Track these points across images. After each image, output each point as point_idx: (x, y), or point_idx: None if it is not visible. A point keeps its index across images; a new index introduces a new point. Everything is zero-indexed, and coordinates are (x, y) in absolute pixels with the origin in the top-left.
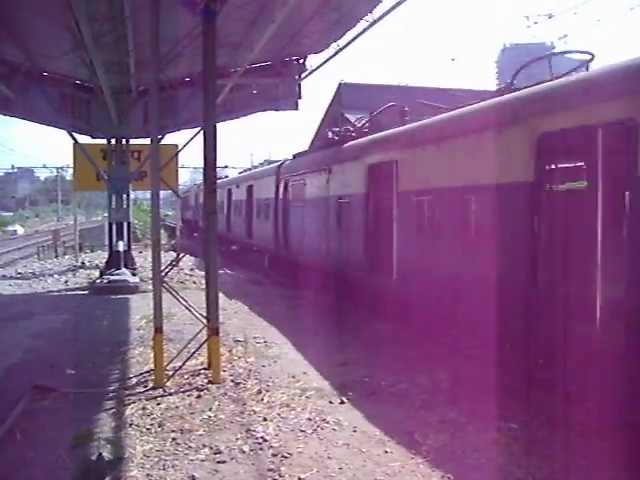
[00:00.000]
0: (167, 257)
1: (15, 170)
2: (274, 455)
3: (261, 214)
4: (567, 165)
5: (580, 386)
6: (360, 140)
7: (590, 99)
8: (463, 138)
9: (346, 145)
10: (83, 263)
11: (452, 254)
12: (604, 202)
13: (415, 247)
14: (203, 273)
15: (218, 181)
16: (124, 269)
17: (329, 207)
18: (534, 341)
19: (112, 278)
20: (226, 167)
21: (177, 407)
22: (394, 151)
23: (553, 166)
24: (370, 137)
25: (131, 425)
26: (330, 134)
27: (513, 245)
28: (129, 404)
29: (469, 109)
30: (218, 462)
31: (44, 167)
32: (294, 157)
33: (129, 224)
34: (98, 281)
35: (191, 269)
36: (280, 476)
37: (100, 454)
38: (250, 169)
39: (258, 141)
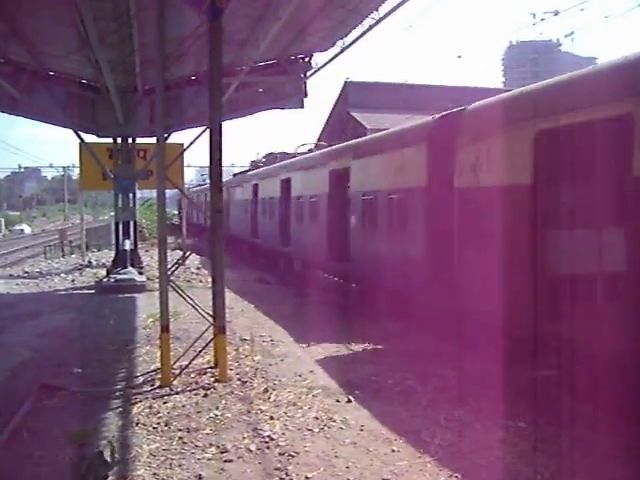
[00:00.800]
0: (174, 256)
1: (22, 170)
2: (281, 454)
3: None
4: None
5: None
6: (252, 171)
7: None
8: None
9: (247, 174)
10: (90, 262)
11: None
12: None
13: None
14: (209, 272)
15: (196, 188)
16: (131, 268)
17: (241, 204)
18: None
19: (119, 277)
20: (232, 166)
21: (184, 406)
22: (290, 172)
23: None
24: (254, 171)
25: (138, 424)
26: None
27: None
28: (136, 403)
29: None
30: (225, 461)
31: (51, 166)
32: (234, 176)
33: (135, 223)
34: (105, 280)
35: (197, 268)
36: (287, 475)
37: (101, 453)
38: (250, 169)
39: (264, 139)
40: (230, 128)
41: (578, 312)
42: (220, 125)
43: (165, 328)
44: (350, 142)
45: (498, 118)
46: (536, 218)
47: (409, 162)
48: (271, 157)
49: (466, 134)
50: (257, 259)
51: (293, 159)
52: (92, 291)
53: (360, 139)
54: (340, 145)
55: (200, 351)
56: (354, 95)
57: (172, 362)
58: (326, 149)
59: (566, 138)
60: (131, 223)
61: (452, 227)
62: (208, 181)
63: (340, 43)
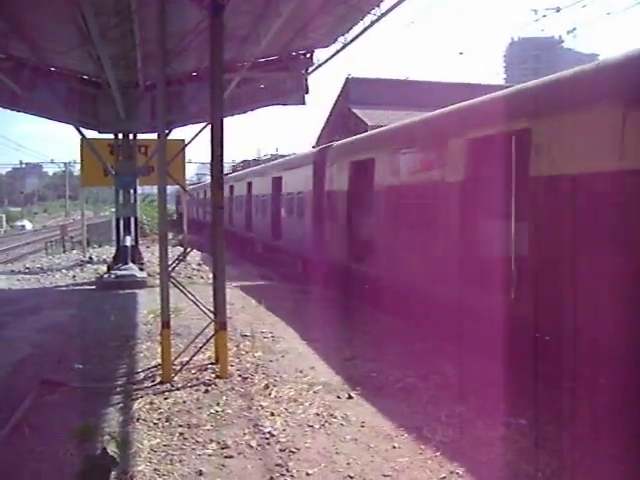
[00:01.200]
0: (174, 252)
1: (23, 166)
2: (282, 450)
3: (205, 206)
4: None
5: None
6: (230, 175)
7: None
8: None
9: (227, 176)
10: (91, 258)
11: None
12: None
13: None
14: (210, 268)
15: (192, 186)
16: (131, 264)
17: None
18: None
19: (119, 273)
20: (233, 162)
21: (184, 402)
22: (251, 177)
23: None
24: (231, 175)
25: (138, 420)
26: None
27: None
28: (136, 399)
29: None
30: (225, 457)
31: (52, 162)
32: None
33: (136, 219)
34: (106, 276)
35: (198, 264)
36: (288, 471)
37: (104, 449)
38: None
39: (266, 135)
40: (232, 124)
41: (365, 256)
42: (221, 121)
43: (166, 324)
44: (281, 159)
45: (338, 153)
46: (350, 207)
47: (305, 175)
48: (246, 163)
49: (329, 161)
50: (233, 241)
51: (254, 167)
52: (93, 287)
53: (285, 158)
54: (277, 160)
55: (201, 347)
56: (355, 91)
57: (173, 358)
58: (271, 162)
59: (359, 167)
60: (132, 219)
61: (323, 213)
62: (203, 180)
63: (342, 39)
